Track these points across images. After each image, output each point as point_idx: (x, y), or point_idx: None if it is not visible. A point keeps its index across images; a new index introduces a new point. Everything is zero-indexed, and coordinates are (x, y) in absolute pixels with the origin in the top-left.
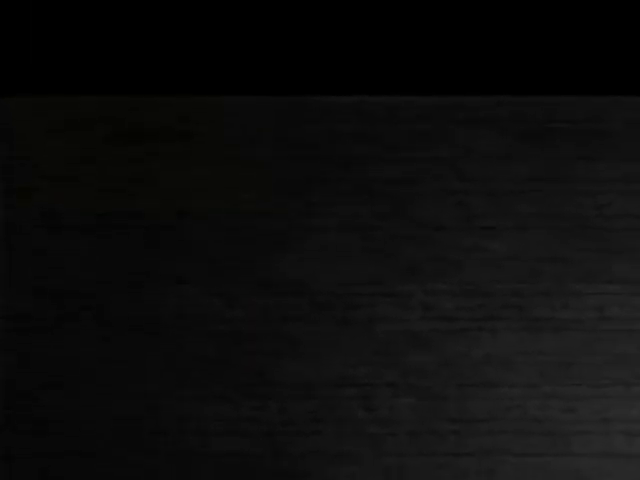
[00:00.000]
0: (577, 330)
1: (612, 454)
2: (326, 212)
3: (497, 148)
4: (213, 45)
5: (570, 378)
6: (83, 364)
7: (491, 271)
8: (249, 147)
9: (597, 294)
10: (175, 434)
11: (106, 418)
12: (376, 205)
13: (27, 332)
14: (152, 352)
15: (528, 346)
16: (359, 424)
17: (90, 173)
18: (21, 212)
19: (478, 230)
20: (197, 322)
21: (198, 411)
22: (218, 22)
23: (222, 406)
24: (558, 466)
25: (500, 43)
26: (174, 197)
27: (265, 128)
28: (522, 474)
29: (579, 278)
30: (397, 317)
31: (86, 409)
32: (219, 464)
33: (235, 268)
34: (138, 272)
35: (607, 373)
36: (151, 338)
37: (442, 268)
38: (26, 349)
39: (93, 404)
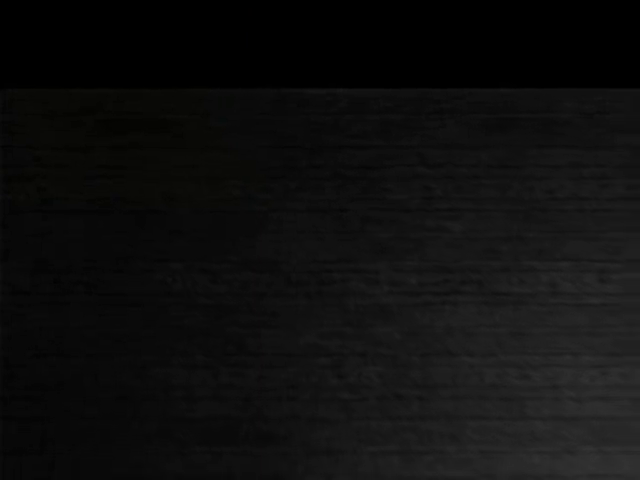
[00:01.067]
0: (531, 304)
1: (562, 417)
2: (301, 196)
3: (459, 137)
4: (196, 41)
5: (524, 348)
6: (76, 334)
7: (453, 250)
8: (230, 136)
9: (549, 271)
10: (163, 400)
11: (97, 384)
12: (347, 189)
13: (25, 306)
14: (141, 324)
15: (486, 318)
16: (331, 390)
17: (81, 160)
18: (18, 196)
19: (441, 212)
20: (182, 296)
21: (184, 378)
22: (200, 19)
23: (206, 374)
24: (514, 429)
25: (462, 40)
26: (159, 183)
27: (245, 119)
28: (481, 436)
29: (533, 256)
30: (366, 292)
31: (79, 376)
32: (203, 427)
33: (218, 247)
34: (127, 251)
35: (558, 343)
36: (140, 311)
37: (407, 247)
38: (24, 321)
39: (85, 371)
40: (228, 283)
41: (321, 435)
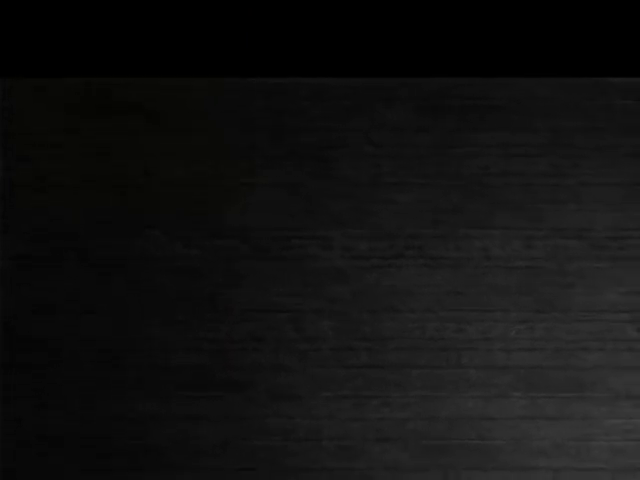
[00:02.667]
0: (466, 267)
1: (493, 366)
2: (265, 173)
3: (404, 120)
4: (175, 35)
5: (460, 305)
6: (68, 294)
7: (398, 219)
8: (203, 120)
9: (482, 238)
10: (141, 351)
11: (86, 338)
12: (305, 167)
13: (23, 270)
14: (124, 285)
15: (427, 279)
16: (291, 342)
17: (73, 142)
18: (16, 173)
19: (388, 186)
20: (161, 260)
21: (161, 332)
22: (179, 15)
23: (181, 328)
24: (451, 376)
25: (406, 35)
26: (141, 161)
27: (217, 105)
28: (422, 383)
29: (468, 225)
30: (321, 256)
31: (70, 330)
32: (179, 375)
33: (191, 217)
34: (112, 221)
35: (490, 301)
36: (123, 273)
37: (358, 217)
38: (22, 283)
39: (76, 326)
40: (201, 248)
41: (282, 382)
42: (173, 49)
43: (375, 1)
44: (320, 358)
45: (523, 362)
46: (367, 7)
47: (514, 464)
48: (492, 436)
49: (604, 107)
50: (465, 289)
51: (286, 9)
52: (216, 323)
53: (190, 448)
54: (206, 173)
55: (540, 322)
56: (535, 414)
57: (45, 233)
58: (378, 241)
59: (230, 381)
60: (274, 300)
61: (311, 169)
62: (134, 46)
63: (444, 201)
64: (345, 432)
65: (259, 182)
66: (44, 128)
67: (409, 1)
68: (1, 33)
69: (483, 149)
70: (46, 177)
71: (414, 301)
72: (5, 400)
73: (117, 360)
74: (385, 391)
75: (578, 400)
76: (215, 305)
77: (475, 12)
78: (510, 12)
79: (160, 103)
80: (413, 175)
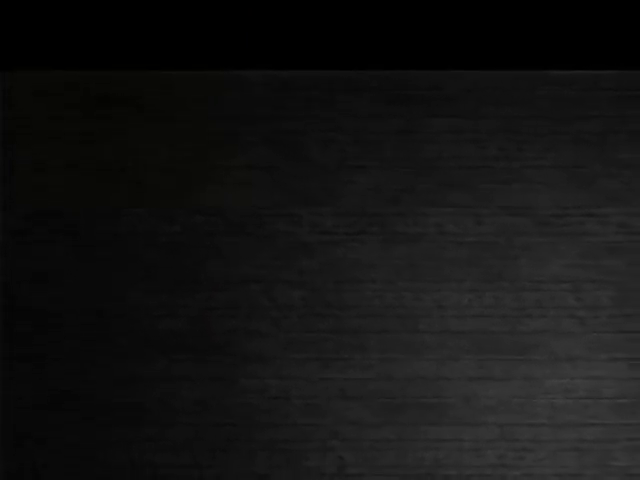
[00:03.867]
0: (422, 241)
1: (447, 331)
2: (240, 156)
3: (367, 109)
4: (160, 31)
5: (417, 276)
6: (61, 266)
7: (360, 198)
8: (183, 110)
9: (437, 215)
10: (127, 318)
11: (74, 306)
12: (277, 151)
13: (22, 244)
14: (111, 258)
15: (386, 253)
16: (263, 310)
17: (67, 129)
18: (15, 158)
19: (352, 168)
20: (145, 236)
21: (145, 301)
22: (165, 13)
23: (164, 297)
24: (408, 340)
25: (369, 31)
26: (129, 146)
27: (197, 96)
28: (382, 346)
29: (423, 203)
30: (292, 231)
31: (62, 298)
32: (161, 340)
33: (174, 196)
34: (100, 199)
35: (444, 273)
36: (110, 248)
37: (325, 196)
38: (21, 255)
39: (67, 295)
40: (182, 225)
41: (255, 345)
42: (160, 44)
43: (341, 1)
44: (290, 324)
45: (473, 327)
46: (333, 6)
47: (465, 420)
48: (445, 395)
49: (546, 97)
50: (421, 262)
51: (260, 6)
52: (195, 292)
53: (172, 406)
54: (187, 157)
55: (489, 291)
56: (484, 375)
57: (41, 211)
58: (343, 218)
59: (208, 345)
60: (248, 271)
61: (282, 153)
62: (125, 42)
63: (402, 182)
64: (312, 391)
65: (235, 165)
66: (41, 117)
67: (372, 2)
68: (1, 31)
69: (437, 135)
70: (42, 161)
71: (375, 273)
72: (5, 362)
73: (105, 326)
74: (348, 354)
75: (523, 362)
76: (195, 276)
77: (431, 11)
78: (462, 11)
79: (144, 94)
80: (374, 159)
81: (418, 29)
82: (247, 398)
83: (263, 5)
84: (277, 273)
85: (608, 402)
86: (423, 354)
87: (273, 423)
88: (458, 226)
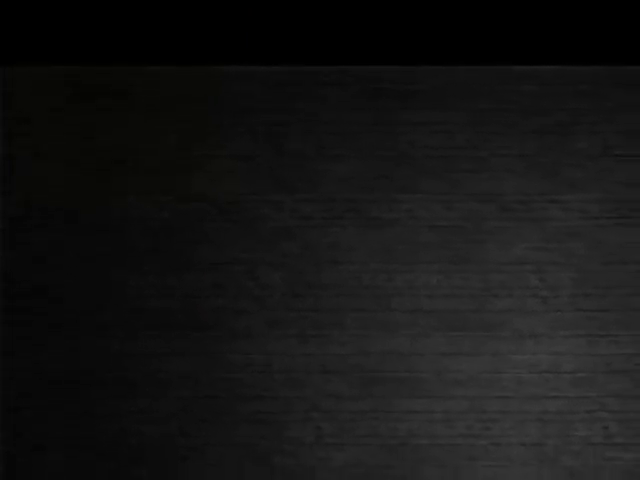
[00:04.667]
0: (395, 226)
1: (419, 310)
2: (225, 146)
3: (344, 102)
4: (151, 28)
5: (390, 258)
6: (57, 250)
7: (338, 185)
8: (172, 103)
9: (409, 201)
10: (120, 297)
11: (70, 286)
12: (260, 141)
13: (20, 230)
14: (105, 242)
15: (362, 237)
16: (248, 289)
17: (64, 121)
18: (14, 149)
19: (330, 157)
20: (137, 221)
21: (137, 281)
22: (153, 9)
23: (154, 277)
24: (383, 318)
25: (344, 28)
26: (121, 138)
27: (185, 90)
28: (358, 324)
29: (397, 190)
30: (273, 217)
31: (59, 280)
32: (152, 318)
33: (164, 184)
34: (95, 188)
35: (415, 255)
36: (104, 232)
37: (305, 184)
38: (20, 240)
39: (64, 277)
40: (171, 211)
41: (240, 323)
42: (151, 41)
43: (320, 3)
44: (272, 303)
45: (443, 307)
46: (312, 7)
47: (436, 393)
48: (417, 369)
49: (511, 91)
50: (394, 245)
51: (245, 6)
52: (184, 274)
53: (161, 380)
54: (176, 147)
55: (457, 273)
56: (453, 351)
57: (39, 197)
58: (321, 204)
59: (196, 323)
60: (233, 254)
61: (264, 144)
62: (118, 39)
63: (376, 170)
64: (293, 366)
65: (220, 155)
66: (38, 109)
67: (349, 4)
68: (1, 29)
69: (410, 126)
70: (40, 151)
71: (351, 255)
72: (6, 341)
73: (99, 306)
74: (327, 331)
75: (489, 339)
76: (183, 259)
77: (404, 12)
78: (433, 11)
79: (136, 87)
80: (350, 148)
81: (393, 28)
82: (232, 372)
83: (247, 5)
84: (260, 255)
85: (568, 376)
86: (396, 331)
87: (256, 395)
88: (429, 212)
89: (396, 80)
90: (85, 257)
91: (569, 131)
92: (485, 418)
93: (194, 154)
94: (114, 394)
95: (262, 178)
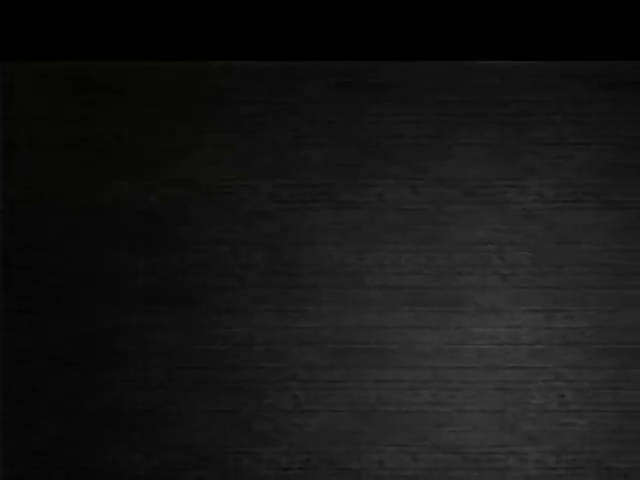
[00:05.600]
0: (366, 209)
1: (387, 286)
2: (208, 135)
3: (319, 95)
4: (137, 26)
5: (361, 239)
6: (54, 232)
7: (313, 171)
8: (159, 95)
9: (378, 186)
10: (111, 274)
11: (66, 265)
12: (240, 131)
13: (19, 213)
14: (97, 224)
15: (335, 219)
16: (230, 267)
17: (58, 112)
18: (14, 137)
19: (305, 145)
20: (127, 204)
21: (127, 260)
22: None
23: (143, 257)
24: (354, 295)
25: (320, 26)
26: (113, 128)
27: (169, 84)
28: (332, 299)
29: (367, 176)
30: (253, 201)
31: (56, 260)
32: (141, 293)
33: (151, 169)
34: (89, 174)
35: (384, 236)
36: (97, 216)
37: (282, 170)
38: (18, 222)
39: (59, 257)
40: (158, 195)
41: (222, 299)
42: (140, 38)
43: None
44: (252, 280)
45: (410, 283)
46: (289, 5)
47: (403, 364)
48: (386, 342)
49: (474, 84)
50: (365, 226)
51: (227, 5)
52: (170, 253)
53: (149, 351)
54: (163, 136)
55: (424, 252)
56: (420, 324)
57: (37, 182)
58: (297, 189)
59: (182, 298)
60: (216, 235)
61: (245, 132)
62: (111, 36)
63: (349, 157)
64: (272, 338)
65: (204, 143)
66: (37, 101)
67: (323, 3)
68: (4, 26)
69: (380, 117)
70: (38, 140)
71: (325, 236)
72: (7, 315)
73: (92, 282)
74: (303, 306)
75: (453, 313)
76: (169, 239)
77: (376, 11)
78: (402, 10)
79: (128, 82)
80: (325, 137)
81: (365, 27)
82: (215, 344)
83: (233, 5)
84: (241, 236)
85: (527, 348)
86: (367, 306)
87: (237, 366)
88: (397, 195)
89: (367, 74)
90: (80, 237)
91: (527, 121)
92: (449, 387)
93: (180, 143)
94: (108, 365)
95: (243, 165)
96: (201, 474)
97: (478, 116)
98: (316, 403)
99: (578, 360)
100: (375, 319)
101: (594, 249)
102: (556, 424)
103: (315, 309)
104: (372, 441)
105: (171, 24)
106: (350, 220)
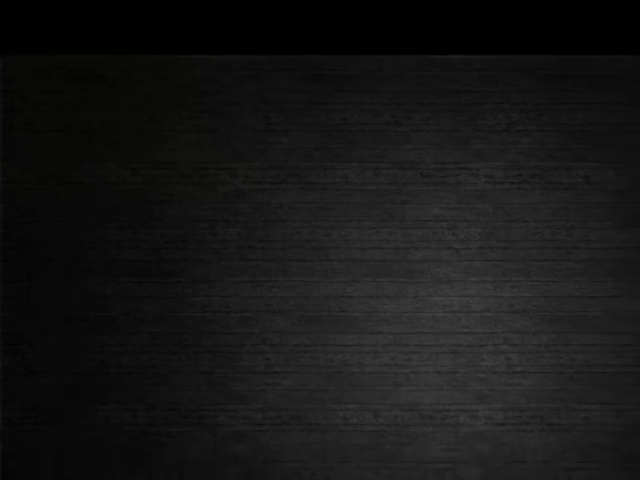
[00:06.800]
0: (332, 189)
1: (351, 259)
2: (188, 122)
3: (288, 85)
4: (122, 22)
5: (327, 217)
6: (49, 208)
7: (283, 155)
8: (145, 85)
9: (343, 168)
10: (101, 248)
11: (60, 239)
12: (218, 118)
13: (17, 190)
14: (87, 201)
15: (304, 198)
16: (207, 242)
17: (52, 99)
18: (12, 122)
19: (276, 131)
20: (114, 184)
21: (115, 235)
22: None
23: (129, 232)
24: (321, 267)
25: (288, 22)
26: (102, 114)
27: (152, 74)
28: (301, 271)
29: (333, 159)
30: (229, 181)
31: (50, 234)
32: (127, 266)
33: (137, 153)
34: (80, 156)
35: (348, 214)
36: (88, 193)
37: (255, 153)
38: (16, 200)
39: (54, 231)
40: (142, 176)
41: (201, 270)
42: (125, 33)
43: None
44: (228, 254)
45: (372, 257)
46: (262, 2)
47: (365, 330)
48: (350, 310)
49: (430, 76)
50: (331, 205)
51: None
52: (154, 229)
53: (135, 317)
54: (148, 122)
55: (384, 228)
56: (380, 294)
57: (33, 163)
58: (269, 171)
59: (164, 270)
60: (195, 213)
61: (222, 119)
62: (96, 33)
63: (316, 142)
64: (246, 306)
65: (185, 129)
66: (33, 90)
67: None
68: (3, 23)
69: (344, 105)
70: (34, 124)
71: (294, 214)
72: (6, 285)
73: (83, 256)
74: (274, 277)
75: (411, 284)
76: (153, 216)
77: (338, 7)
78: (363, 7)
79: (114, 72)
80: (294, 124)
81: (329, 23)
82: (194, 312)
83: (211, 5)
84: (218, 214)
85: (477, 315)
86: (332, 278)
87: (215, 332)
88: (360, 177)
89: (333, 67)
90: (72, 213)
91: (477, 110)
92: (407, 350)
93: (163, 128)
94: (96, 330)
95: (220, 148)
96: (183, 429)
97: (433, 105)
98: (286, 365)
99: (523, 326)
100: (340, 289)
101: (538, 226)
102: (503, 384)
103: (285, 280)
104: (337, 399)
105: (152, 20)
106: (317, 199)
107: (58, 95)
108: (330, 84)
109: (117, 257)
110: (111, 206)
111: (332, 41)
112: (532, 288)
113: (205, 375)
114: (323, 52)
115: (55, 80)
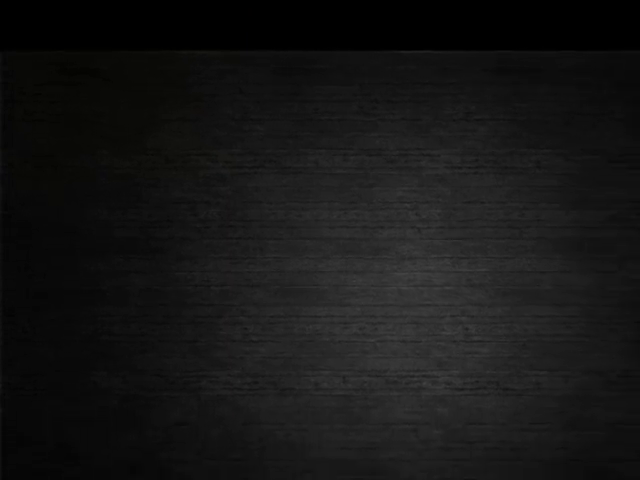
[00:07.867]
0: (304, 174)
1: (321, 238)
2: (173, 112)
3: (264, 78)
4: (113, 19)
5: (300, 198)
6: (45, 192)
7: (260, 142)
8: (134, 79)
9: (314, 154)
10: (94, 228)
11: (55, 220)
12: (200, 108)
13: (17, 175)
14: (82, 184)
15: (279, 182)
16: (191, 223)
17: (50, 92)
18: (11, 112)
19: (253, 120)
20: (106, 168)
21: (107, 216)
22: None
23: (119, 212)
24: (293, 245)
25: (266, 20)
26: (94, 106)
27: (143, 68)
28: (276, 249)
29: (305, 146)
30: (210, 167)
31: (46, 216)
32: (118, 243)
33: (127, 141)
34: (74, 144)
35: (319, 197)
36: (82, 177)
37: (234, 140)
38: (16, 184)
39: (50, 213)
40: (131, 161)
41: (185, 248)
42: (116, 30)
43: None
44: (210, 233)
45: (341, 235)
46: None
47: (335, 302)
48: (321, 283)
49: (394, 70)
50: (304, 188)
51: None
52: (141, 210)
53: (125, 291)
54: (136, 112)
55: (352, 210)
56: (349, 269)
57: (31, 150)
58: (247, 156)
59: (151, 247)
60: (179, 195)
61: (204, 109)
62: (89, 30)
63: (290, 130)
64: (225, 281)
65: (170, 118)
66: (31, 82)
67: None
68: (3, 21)
69: (315, 96)
70: (32, 114)
71: (270, 196)
72: (5, 264)
73: (77, 234)
74: (252, 254)
75: (377, 260)
76: (141, 198)
77: (311, 8)
78: (333, 7)
79: (106, 67)
80: (269, 114)
81: (300, 20)
82: (179, 286)
83: (197, 4)
84: (200, 196)
85: (438, 289)
86: (305, 254)
87: (197, 304)
88: (330, 162)
89: (304, 61)
90: (66, 196)
91: (437, 100)
92: (373, 321)
93: (150, 118)
94: (89, 302)
95: (202, 136)
96: (169, 394)
97: (397, 96)
98: (263, 335)
99: (480, 299)
100: (312, 265)
101: (493, 207)
102: (462, 352)
103: (262, 257)
104: (309, 366)
105: (140, 18)
106: (291, 183)
107: (54, 87)
108: (302, 77)
109: (108, 235)
110: (102, 189)
111: (304, 38)
112: (488, 264)
113: (189, 344)
114: (296, 48)
115: (52, 74)
